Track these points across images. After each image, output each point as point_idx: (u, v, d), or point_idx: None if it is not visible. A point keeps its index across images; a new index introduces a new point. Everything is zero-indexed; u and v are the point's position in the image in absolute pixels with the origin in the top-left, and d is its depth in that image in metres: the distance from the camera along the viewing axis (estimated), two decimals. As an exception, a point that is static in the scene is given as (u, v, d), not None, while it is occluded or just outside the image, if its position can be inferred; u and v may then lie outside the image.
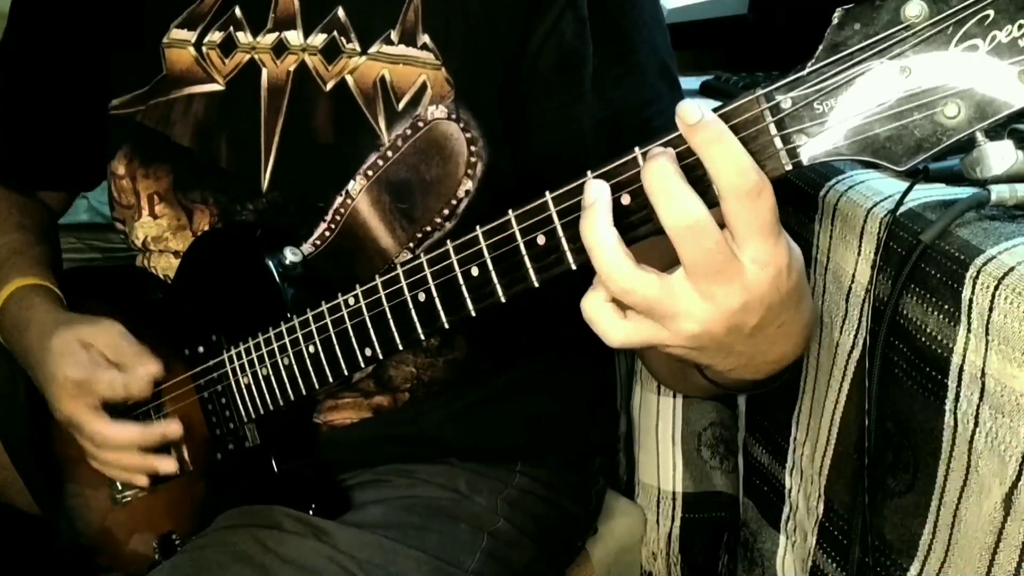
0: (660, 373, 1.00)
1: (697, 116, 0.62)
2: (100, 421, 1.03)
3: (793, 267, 0.65)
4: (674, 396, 1.26)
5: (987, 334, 0.74)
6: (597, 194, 0.65)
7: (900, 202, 0.86)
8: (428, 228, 0.98)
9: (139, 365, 1.03)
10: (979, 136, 0.58)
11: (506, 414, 1.10)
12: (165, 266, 1.10)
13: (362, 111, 0.99)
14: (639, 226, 0.66)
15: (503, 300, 0.74)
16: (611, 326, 0.66)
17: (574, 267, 0.70)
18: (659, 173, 0.63)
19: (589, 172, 0.68)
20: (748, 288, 0.63)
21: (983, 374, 0.75)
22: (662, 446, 1.28)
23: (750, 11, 1.62)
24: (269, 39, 1.03)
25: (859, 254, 0.90)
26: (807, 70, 0.61)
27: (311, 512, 0.99)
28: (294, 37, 1.02)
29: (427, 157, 0.97)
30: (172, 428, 1.04)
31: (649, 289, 0.63)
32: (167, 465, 1.05)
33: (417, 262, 0.80)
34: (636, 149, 0.66)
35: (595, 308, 0.66)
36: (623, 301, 0.65)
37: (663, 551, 1.30)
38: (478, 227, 0.75)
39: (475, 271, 0.75)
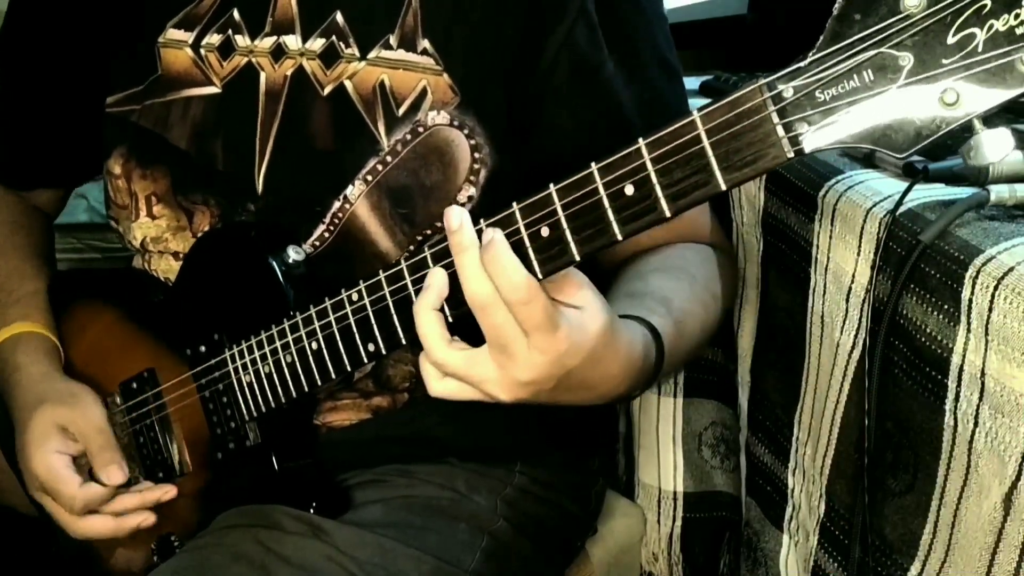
0: None
1: (456, 223, 0.72)
2: (65, 516, 1.05)
3: (581, 348, 0.73)
4: (674, 396, 1.26)
5: (987, 334, 0.74)
6: (433, 280, 0.75)
7: (899, 202, 0.86)
8: (428, 232, 0.99)
9: (105, 467, 1.04)
10: (977, 124, 0.59)
11: (505, 414, 1.08)
12: (165, 268, 1.10)
13: (361, 116, 0.99)
14: (643, 215, 0.68)
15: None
16: (432, 382, 0.77)
17: (578, 258, 0.72)
18: (462, 260, 0.72)
19: (593, 164, 0.70)
20: (532, 367, 0.72)
21: (983, 374, 0.75)
22: (662, 446, 1.28)
23: (749, 11, 1.62)
24: (267, 43, 1.03)
25: (859, 254, 0.90)
26: (808, 60, 0.62)
27: (311, 511, 0.99)
28: (292, 41, 1.02)
29: (427, 163, 0.98)
30: (145, 520, 1.05)
31: (456, 363, 0.74)
32: (140, 521, 1.06)
33: (421, 256, 0.80)
34: (640, 140, 0.68)
35: (423, 365, 0.77)
36: (440, 370, 0.76)
37: (664, 551, 1.30)
38: (482, 220, 0.75)
39: None
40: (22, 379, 1.09)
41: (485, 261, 0.70)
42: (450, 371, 0.75)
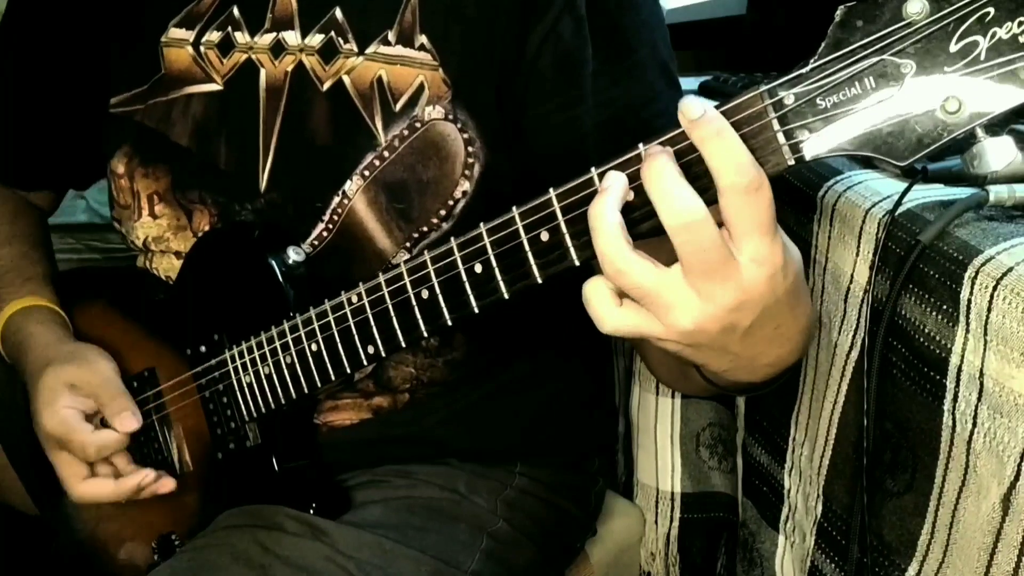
0: (659, 371, 1.00)
1: (699, 112, 0.63)
2: (71, 476, 1.05)
3: (790, 268, 0.66)
4: (672, 396, 1.26)
5: (985, 334, 0.74)
6: (613, 180, 0.66)
7: (898, 202, 0.86)
8: (425, 228, 0.99)
9: (117, 414, 1.03)
10: (979, 132, 0.60)
11: (505, 415, 1.10)
12: (167, 267, 1.10)
13: (359, 111, 0.99)
14: (642, 222, 0.67)
15: (506, 296, 0.75)
16: (605, 310, 0.67)
17: (577, 263, 0.71)
18: (658, 172, 0.63)
19: (594, 168, 0.69)
20: (743, 287, 0.64)
21: (981, 374, 0.75)
22: (661, 446, 1.28)
23: (748, 12, 1.62)
24: (267, 39, 1.03)
25: (857, 254, 0.91)
26: (810, 67, 0.62)
27: (311, 511, 0.99)
28: (292, 37, 1.03)
29: (424, 158, 0.98)
30: (145, 478, 1.04)
31: (644, 276, 0.64)
32: (140, 479, 1.05)
33: (421, 259, 0.80)
34: (641, 146, 0.67)
35: (594, 290, 0.67)
36: (617, 284, 0.66)
37: (662, 551, 1.30)
38: (482, 224, 0.75)
39: (479, 268, 0.76)
40: (33, 345, 1.09)
41: (702, 138, 0.62)
42: (633, 285, 0.64)
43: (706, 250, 0.62)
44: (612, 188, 0.66)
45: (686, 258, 0.63)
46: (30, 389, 1.07)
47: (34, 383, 1.06)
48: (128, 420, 1.03)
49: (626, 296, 0.66)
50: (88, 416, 1.05)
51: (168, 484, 1.05)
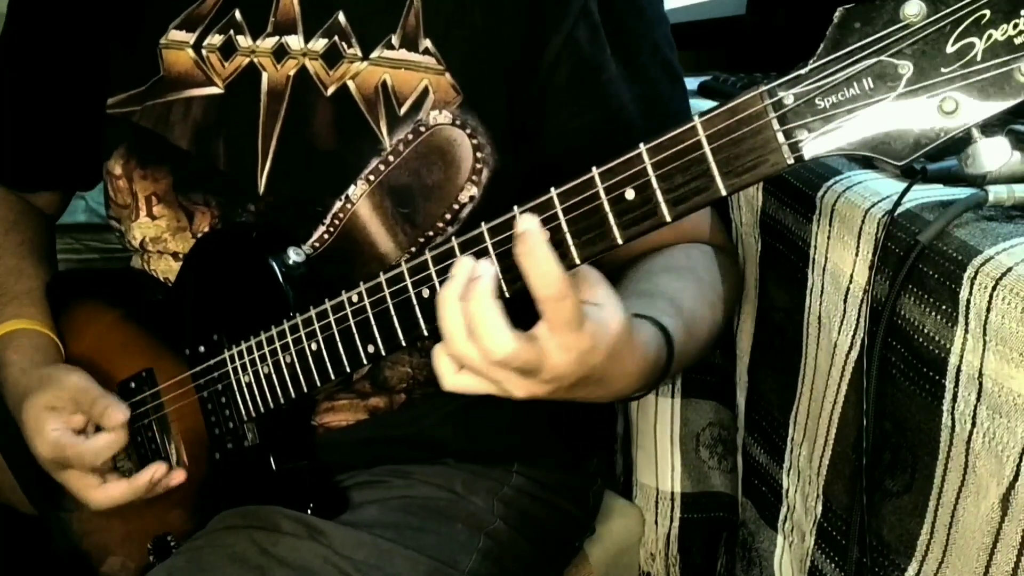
0: None
1: (520, 229, 0.69)
2: (85, 487, 1.05)
3: (602, 345, 0.72)
4: (672, 396, 1.26)
5: (984, 334, 0.74)
6: (459, 270, 0.72)
7: (898, 203, 0.86)
8: (431, 233, 0.99)
9: (102, 414, 1.03)
10: (975, 132, 0.60)
11: (502, 415, 1.09)
12: (165, 269, 1.10)
13: (364, 116, 0.99)
14: (644, 220, 0.69)
15: (507, 295, 0.76)
16: (448, 376, 0.74)
17: (579, 261, 0.72)
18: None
19: (595, 168, 0.70)
20: (556, 365, 0.71)
21: (980, 374, 0.75)
22: (660, 446, 1.28)
23: (748, 12, 1.62)
24: (269, 43, 1.03)
25: (857, 255, 0.90)
26: (808, 67, 0.63)
27: (309, 511, 0.99)
28: (294, 42, 1.02)
29: (429, 162, 0.98)
30: (156, 472, 1.04)
31: (477, 358, 0.71)
32: (152, 474, 1.05)
33: (422, 259, 0.80)
34: (642, 145, 0.68)
35: (439, 357, 0.74)
36: (460, 365, 0.73)
37: (661, 551, 1.30)
38: (483, 224, 0.76)
39: None
40: (8, 377, 1.10)
41: (519, 253, 0.68)
42: (470, 365, 0.72)
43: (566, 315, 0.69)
44: (456, 278, 0.72)
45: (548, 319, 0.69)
46: (18, 422, 1.07)
47: (19, 417, 1.06)
48: (114, 414, 1.03)
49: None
50: (79, 431, 1.05)
51: (179, 476, 1.05)
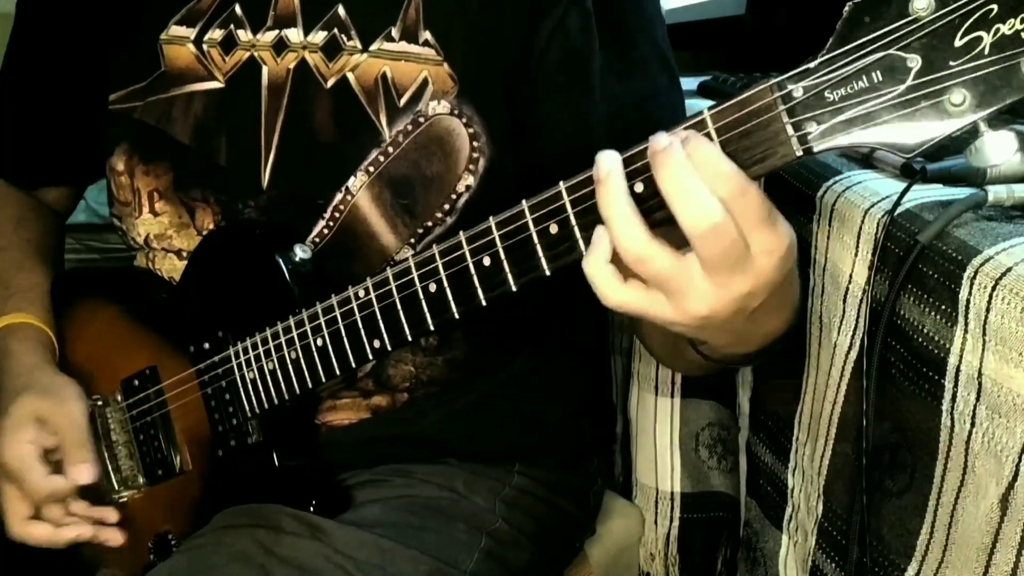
0: (653, 347, 1.02)
1: (665, 142, 0.65)
2: (13, 512, 1.05)
3: (792, 246, 0.68)
4: (672, 396, 1.26)
5: (984, 335, 0.74)
6: (610, 166, 0.67)
7: (897, 203, 0.86)
8: (429, 224, 0.99)
9: (75, 464, 1.03)
10: (981, 125, 0.61)
11: (504, 414, 1.10)
12: (169, 268, 1.10)
13: (363, 108, 0.99)
14: (655, 211, 0.68)
15: (514, 289, 0.76)
16: (611, 287, 0.68)
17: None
18: (674, 171, 0.65)
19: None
20: (757, 275, 0.66)
21: (980, 374, 0.75)
22: (660, 446, 1.28)
23: (747, 12, 1.62)
24: (269, 37, 1.04)
25: (856, 255, 0.91)
26: (818, 61, 0.64)
27: (311, 509, 0.99)
28: (294, 35, 1.03)
29: (428, 153, 0.98)
30: (80, 535, 1.06)
31: (664, 264, 0.66)
32: (76, 535, 1.07)
33: (429, 253, 0.81)
34: (658, 134, 0.67)
35: (597, 268, 0.68)
36: (636, 270, 0.67)
37: (661, 552, 1.30)
38: (491, 218, 0.76)
39: (487, 260, 0.77)
40: (12, 366, 1.09)
41: (682, 164, 0.64)
42: (652, 271, 0.66)
43: (725, 249, 0.64)
44: (613, 173, 0.67)
45: (705, 256, 0.65)
46: (2, 410, 1.07)
47: (6, 406, 1.06)
48: (83, 472, 1.04)
49: (632, 274, 0.68)
50: (48, 451, 1.05)
51: (116, 538, 1.07)
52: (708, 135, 0.66)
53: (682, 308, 0.67)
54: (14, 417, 1.05)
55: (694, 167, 0.64)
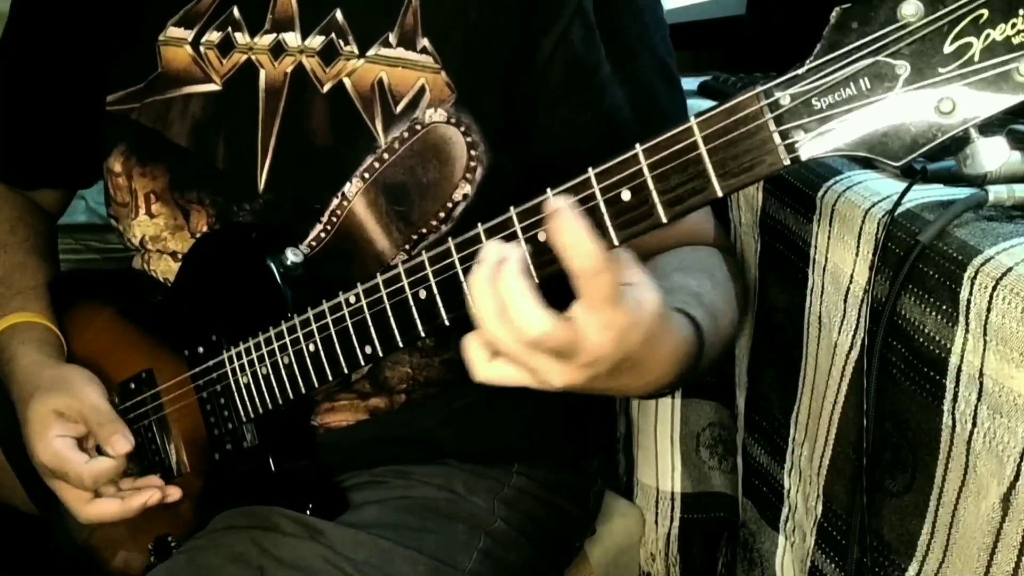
0: None
1: (551, 207, 0.65)
2: (75, 501, 1.04)
3: (640, 324, 0.69)
4: (672, 396, 1.26)
5: (985, 334, 0.74)
6: (487, 254, 0.68)
7: (898, 203, 0.86)
8: (424, 231, 0.99)
9: (109, 439, 1.03)
10: (973, 132, 0.60)
11: (503, 415, 1.10)
12: (164, 269, 1.10)
13: (359, 113, 0.99)
14: (640, 221, 0.69)
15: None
16: (481, 365, 0.71)
17: None
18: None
19: (591, 169, 0.70)
20: (596, 346, 0.67)
21: (981, 374, 0.75)
22: (661, 447, 1.28)
23: (748, 12, 1.62)
24: (267, 40, 1.04)
25: (857, 255, 0.90)
26: (805, 68, 0.63)
27: (308, 512, 0.99)
28: (292, 39, 1.03)
29: (424, 160, 0.98)
30: (151, 497, 1.04)
31: (515, 344, 0.67)
32: (147, 499, 1.05)
33: (418, 260, 0.80)
34: (638, 146, 0.68)
35: (471, 345, 0.70)
36: (495, 352, 0.69)
37: (662, 552, 1.30)
38: (479, 224, 0.75)
39: None
40: (16, 371, 1.09)
41: (553, 230, 0.65)
42: (505, 349, 0.68)
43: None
44: (486, 262, 0.68)
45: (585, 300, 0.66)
46: (20, 417, 1.06)
47: (23, 413, 1.05)
48: (120, 443, 1.03)
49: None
50: (81, 440, 1.05)
51: (174, 494, 1.05)
52: (695, 144, 0.66)
53: (540, 377, 0.70)
54: (34, 421, 1.04)
55: (554, 235, 0.65)
